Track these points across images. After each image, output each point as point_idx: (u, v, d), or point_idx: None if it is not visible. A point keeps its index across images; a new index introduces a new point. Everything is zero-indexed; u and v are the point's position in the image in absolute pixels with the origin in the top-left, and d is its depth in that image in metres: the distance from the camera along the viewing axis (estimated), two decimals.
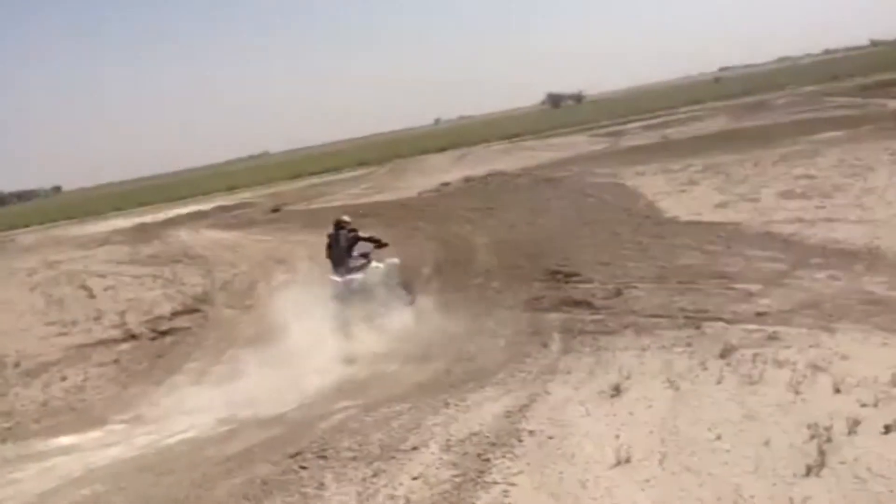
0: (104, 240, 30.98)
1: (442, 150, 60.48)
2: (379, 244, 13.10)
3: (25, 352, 15.06)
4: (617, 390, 7.44)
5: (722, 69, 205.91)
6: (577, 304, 11.83)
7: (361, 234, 13.12)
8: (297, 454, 6.82)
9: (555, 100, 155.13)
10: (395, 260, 13.51)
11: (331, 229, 13.35)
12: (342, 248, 12.94)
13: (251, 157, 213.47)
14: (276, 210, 34.61)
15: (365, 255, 13.00)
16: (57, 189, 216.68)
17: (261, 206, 38.30)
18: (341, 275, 12.75)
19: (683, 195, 19.69)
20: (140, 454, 8.46)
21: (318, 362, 11.93)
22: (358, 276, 12.70)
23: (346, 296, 12.51)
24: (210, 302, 17.05)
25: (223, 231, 29.32)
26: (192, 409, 10.78)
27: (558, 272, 13.69)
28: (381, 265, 13.12)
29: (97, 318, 16.98)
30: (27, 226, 61.48)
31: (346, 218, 13.60)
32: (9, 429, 11.17)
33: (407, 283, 13.50)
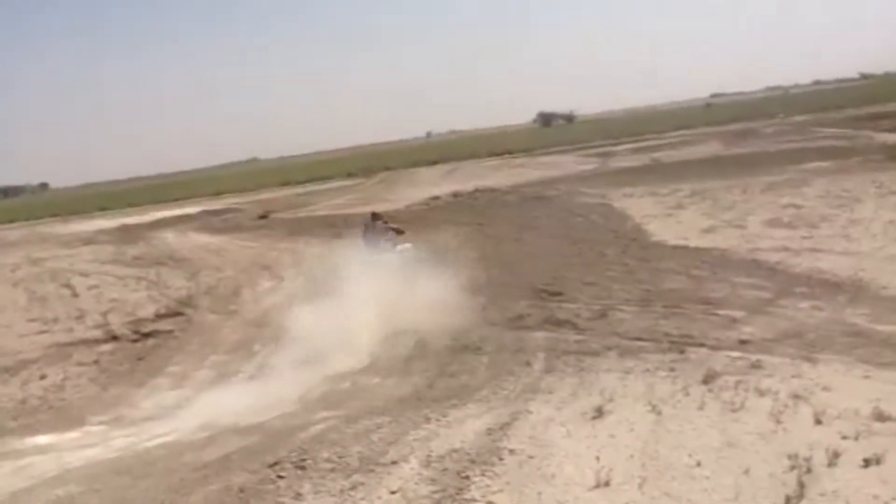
0: (89, 239, 30.84)
1: (432, 163, 60.61)
2: (399, 231, 16.57)
3: (5, 348, 14.94)
4: (599, 412, 7.44)
5: (713, 95, 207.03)
6: (562, 323, 11.84)
7: (390, 224, 16.72)
8: (276, 463, 6.77)
9: (546, 118, 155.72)
10: (408, 245, 16.41)
11: (367, 219, 16.87)
12: (377, 234, 16.26)
13: (240, 163, 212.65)
14: (263, 217, 34.59)
15: (389, 240, 16.20)
16: (44, 186, 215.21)
17: (248, 212, 38.23)
18: (375, 254, 15.78)
19: (670, 219, 19.82)
20: (118, 456, 8.38)
21: (299, 371, 11.90)
22: (391, 255, 15.68)
23: (378, 267, 15.04)
24: (194, 306, 16.98)
25: (210, 235, 29.22)
26: (172, 413, 10.71)
27: (544, 291, 13.72)
28: (401, 247, 16.13)
29: (79, 318, 16.87)
30: (12, 221, 61.06)
31: (379, 212, 18.02)
32: None
33: (420, 259, 15.57)
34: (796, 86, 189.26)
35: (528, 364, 10.11)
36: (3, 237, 39.49)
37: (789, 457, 6.00)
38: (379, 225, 16.62)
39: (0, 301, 19.64)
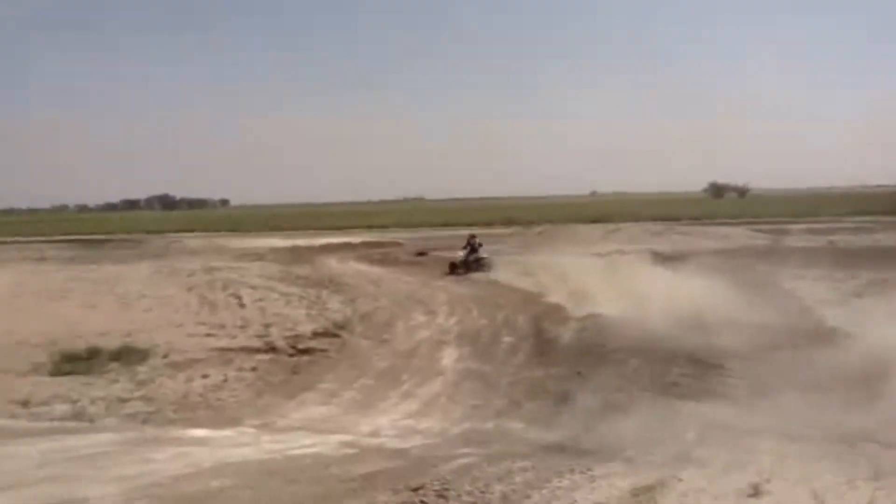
0: (261, 255, 32.53)
1: (594, 221, 60.09)
2: (480, 245, 28.54)
3: (174, 345, 15.90)
4: (756, 491, 7.06)
5: None
6: (717, 396, 11.39)
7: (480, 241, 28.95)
8: (419, 489, 6.83)
9: (717, 189, 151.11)
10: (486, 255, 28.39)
11: (469, 238, 28.90)
12: (475, 246, 27.96)
13: (406, 200, 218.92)
14: (421, 254, 35.20)
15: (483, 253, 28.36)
16: (224, 202, 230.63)
17: (407, 248, 39.17)
18: (476, 258, 27.57)
19: (847, 307, 18.68)
20: (268, 458, 8.69)
21: (443, 407, 12.03)
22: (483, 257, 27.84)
23: (477, 267, 26.91)
24: (349, 329, 17.50)
25: (369, 265, 30.13)
26: (319, 427, 11.04)
27: (699, 359, 13.24)
28: (487, 256, 28.29)
29: (243, 326, 17.77)
30: (193, 231, 65.53)
31: (475, 233, 30.37)
32: (150, 413, 11.80)
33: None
34: None
35: (678, 433, 9.79)
36: (185, 245, 42.39)
37: None
38: (476, 242, 28.31)
39: (175, 302, 21.00)
